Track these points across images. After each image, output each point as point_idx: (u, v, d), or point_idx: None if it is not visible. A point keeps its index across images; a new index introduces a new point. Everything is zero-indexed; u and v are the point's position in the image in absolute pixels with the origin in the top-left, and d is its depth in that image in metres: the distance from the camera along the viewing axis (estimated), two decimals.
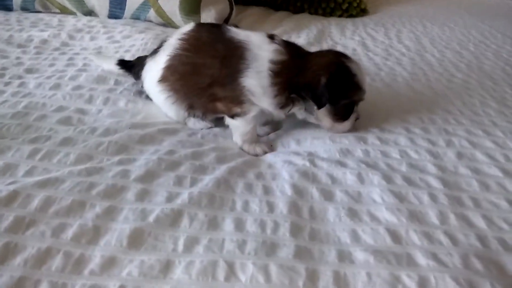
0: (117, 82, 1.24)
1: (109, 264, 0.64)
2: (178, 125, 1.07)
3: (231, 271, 0.64)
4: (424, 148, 0.99)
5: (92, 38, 1.59)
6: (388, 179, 0.86)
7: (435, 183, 0.86)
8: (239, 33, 0.99)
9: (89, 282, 0.61)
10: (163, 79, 1.03)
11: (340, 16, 2.32)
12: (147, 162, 0.88)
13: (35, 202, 0.74)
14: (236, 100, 0.97)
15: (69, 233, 0.69)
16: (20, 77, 1.24)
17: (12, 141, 0.92)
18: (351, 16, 2.34)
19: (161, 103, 1.06)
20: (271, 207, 0.78)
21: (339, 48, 1.71)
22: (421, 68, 1.53)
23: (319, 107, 0.95)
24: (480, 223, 0.77)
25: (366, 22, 2.20)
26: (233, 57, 0.96)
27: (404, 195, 0.82)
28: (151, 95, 1.09)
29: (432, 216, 0.77)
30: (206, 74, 0.98)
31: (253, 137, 1.01)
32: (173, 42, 1.03)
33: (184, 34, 1.03)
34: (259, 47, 0.96)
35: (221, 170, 0.88)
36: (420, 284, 0.63)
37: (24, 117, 1.03)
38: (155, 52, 1.09)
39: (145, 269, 0.64)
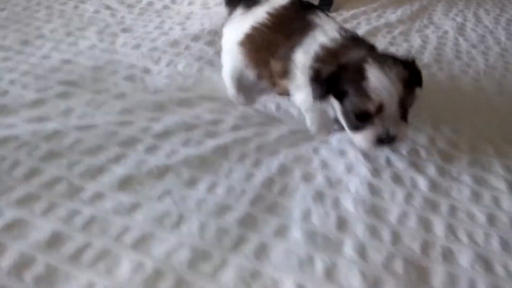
0: (187, 47, 1.39)
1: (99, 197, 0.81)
2: (224, 96, 1.17)
3: None
4: None
5: (189, 3, 1.77)
6: None
7: None
8: (320, 18, 1.00)
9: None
10: (242, 44, 1.09)
11: None
12: (171, 123, 1.03)
13: (67, 140, 0.94)
14: (282, 72, 1.00)
15: (78, 168, 0.87)
16: (115, 34, 1.47)
17: (80, 89, 1.15)
18: None
19: (231, 63, 1.13)
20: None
21: (429, 29, 1.62)
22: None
23: (313, 99, 0.91)
24: None
25: (485, 1, 1.98)
26: (297, 36, 0.98)
27: None
28: (226, 51, 1.15)
29: None
30: (274, 50, 1.01)
31: (324, 124, 1.01)
32: (261, 12, 1.06)
33: (274, 9, 1.05)
34: (322, 32, 0.96)
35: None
36: None
37: (99, 70, 1.25)
38: (246, 7, 1.12)
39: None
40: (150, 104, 1.10)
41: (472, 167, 0.94)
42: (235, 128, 1.05)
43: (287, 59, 0.99)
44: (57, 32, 1.45)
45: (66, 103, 1.09)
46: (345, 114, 0.88)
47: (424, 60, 1.41)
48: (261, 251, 0.73)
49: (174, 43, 1.41)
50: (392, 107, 0.82)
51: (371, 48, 0.94)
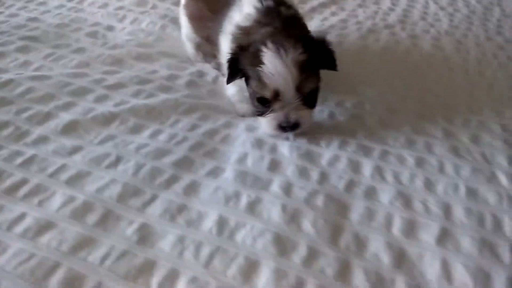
0: (154, 6, 1.40)
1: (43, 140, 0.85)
2: (181, 54, 1.19)
3: None
4: None
5: None
6: None
7: None
8: None
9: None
10: (185, 8, 1.13)
11: None
12: (126, 76, 1.05)
13: (20, 89, 0.97)
14: (213, 54, 1.03)
15: (26, 114, 0.90)
16: None
17: (41, 44, 1.17)
18: None
19: (183, 27, 1.16)
20: None
21: None
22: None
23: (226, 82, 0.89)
24: None
25: None
26: (220, 15, 0.97)
27: None
28: (180, 11, 1.17)
29: None
30: (207, 26, 1.03)
31: (242, 97, 0.96)
32: None
33: None
34: (238, 9, 0.93)
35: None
36: None
37: (64, 27, 1.27)
38: None
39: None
40: (108, 58, 1.13)
41: (415, 118, 0.95)
42: (190, 84, 1.07)
43: (215, 42, 0.99)
44: None
45: (25, 57, 1.12)
46: (250, 97, 0.87)
47: (389, 20, 1.41)
48: (191, 189, 0.76)
49: (141, 2, 1.43)
50: (289, 93, 0.80)
51: (285, 23, 0.86)
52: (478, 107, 0.99)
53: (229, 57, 0.84)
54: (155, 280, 0.60)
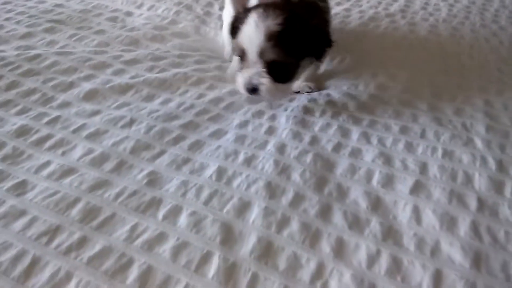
0: None
1: (66, 104, 0.95)
2: (195, 34, 1.29)
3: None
4: None
5: None
6: None
7: None
8: None
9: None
10: None
11: None
12: (141, 54, 1.15)
13: (46, 62, 1.08)
14: None
15: (52, 83, 1.01)
16: None
17: (66, 27, 1.29)
18: None
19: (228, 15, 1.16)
20: None
21: None
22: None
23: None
24: None
25: None
26: None
27: None
28: (226, 4, 1.23)
29: None
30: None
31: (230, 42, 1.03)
32: None
33: None
34: None
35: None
36: None
37: (87, 13, 1.39)
38: None
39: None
40: (125, 39, 1.23)
41: (404, 93, 1.03)
42: (200, 62, 1.17)
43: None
44: None
45: (51, 36, 1.23)
46: None
47: (390, 10, 1.49)
48: (195, 146, 0.85)
49: None
50: (252, 55, 0.83)
51: (294, 4, 0.89)
52: (467, 85, 1.06)
53: (230, 21, 0.93)
54: (161, 212, 0.69)
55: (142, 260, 0.61)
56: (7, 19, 1.31)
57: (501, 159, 0.81)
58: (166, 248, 0.63)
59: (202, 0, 1.50)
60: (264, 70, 0.84)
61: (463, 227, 0.69)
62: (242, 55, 0.86)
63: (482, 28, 1.35)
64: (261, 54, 0.83)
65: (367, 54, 1.19)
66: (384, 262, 0.62)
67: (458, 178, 0.78)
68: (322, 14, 0.94)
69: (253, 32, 0.82)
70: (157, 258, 0.62)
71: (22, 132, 0.86)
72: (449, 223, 0.69)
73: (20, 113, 0.92)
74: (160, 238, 0.65)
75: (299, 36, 0.83)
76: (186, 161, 0.81)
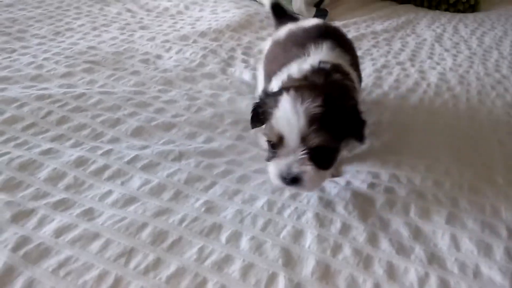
0: (195, 41, 1.62)
1: (116, 140, 1.02)
2: (222, 75, 1.39)
3: None
4: None
5: (200, 10, 2.01)
6: None
7: None
8: (317, 48, 0.94)
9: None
10: (265, 56, 1.14)
11: (446, 10, 2.34)
12: (177, 94, 1.24)
13: (92, 100, 1.16)
14: None
15: (100, 119, 1.08)
16: (134, 30, 1.70)
17: (102, 67, 1.37)
18: (458, 11, 2.33)
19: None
20: None
21: (410, 37, 1.84)
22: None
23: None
24: None
25: (467, 18, 2.20)
26: (286, 61, 0.94)
27: None
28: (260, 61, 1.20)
29: None
30: (274, 64, 1.00)
31: None
32: (284, 30, 1.11)
33: (294, 28, 1.09)
34: (300, 63, 0.90)
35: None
36: None
37: (119, 55, 1.48)
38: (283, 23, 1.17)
39: None
40: (160, 79, 1.32)
41: (423, 133, 1.13)
42: (231, 100, 1.25)
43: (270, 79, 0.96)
44: (84, 26, 1.68)
45: (90, 76, 1.31)
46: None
47: (400, 58, 1.62)
48: (243, 179, 0.92)
49: (184, 37, 1.64)
50: (292, 140, 0.75)
51: (325, 83, 0.83)
52: (478, 126, 1.16)
53: (256, 102, 0.84)
54: (223, 236, 0.76)
55: (215, 280, 0.67)
56: (45, 59, 1.39)
57: None
58: (235, 269, 0.69)
59: (226, 45, 1.61)
60: (307, 156, 0.75)
61: (498, 253, 0.76)
62: (277, 141, 0.77)
63: (487, 77, 1.47)
64: (304, 139, 0.74)
65: (384, 99, 1.29)
66: (433, 283, 0.69)
67: (486, 211, 0.85)
68: (352, 93, 0.87)
69: (293, 116, 0.73)
70: (228, 277, 0.68)
71: (80, 162, 0.92)
72: (485, 248, 0.76)
73: (74, 146, 0.98)
74: (227, 259, 0.71)
75: (339, 118, 0.76)
76: (237, 192, 0.88)
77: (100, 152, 0.97)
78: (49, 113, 1.09)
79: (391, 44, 1.79)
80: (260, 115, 0.82)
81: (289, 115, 0.74)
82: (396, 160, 1.00)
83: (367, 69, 1.51)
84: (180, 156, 0.97)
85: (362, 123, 0.80)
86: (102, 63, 1.40)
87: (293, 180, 0.76)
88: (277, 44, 1.08)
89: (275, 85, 0.90)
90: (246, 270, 0.69)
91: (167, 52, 1.53)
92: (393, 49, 1.73)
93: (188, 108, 1.19)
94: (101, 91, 1.22)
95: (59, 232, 0.74)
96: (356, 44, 1.73)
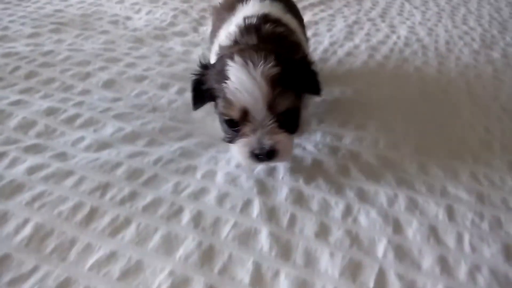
0: (165, 3, 1.60)
1: (87, 92, 1.00)
2: (194, 34, 1.37)
3: None
4: None
5: None
6: None
7: None
8: (246, 4, 0.89)
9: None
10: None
11: None
12: (148, 50, 1.23)
13: (60, 57, 1.14)
14: None
15: (70, 73, 1.06)
16: None
17: (70, 28, 1.34)
18: None
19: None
20: None
21: None
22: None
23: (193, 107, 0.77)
24: None
25: None
26: (216, 31, 0.89)
27: None
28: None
29: None
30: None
31: None
32: None
33: None
34: (226, 26, 0.85)
35: None
36: None
37: (87, 17, 1.45)
38: None
39: None
40: (130, 38, 1.30)
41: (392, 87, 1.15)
42: (203, 56, 1.25)
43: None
44: None
45: (58, 36, 1.29)
46: (220, 121, 0.74)
47: (370, 16, 1.63)
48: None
49: (153, 0, 1.61)
50: (259, 112, 0.66)
51: (263, 40, 0.76)
52: (447, 70, 1.19)
53: (193, 78, 0.73)
54: (199, 174, 0.76)
55: (191, 207, 0.68)
56: (11, 21, 1.35)
57: None
58: (210, 198, 0.70)
59: (196, 7, 1.59)
60: (276, 124, 0.68)
61: (464, 176, 0.79)
62: (240, 116, 0.68)
63: (455, 29, 1.50)
64: (271, 106, 0.66)
65: (355, 51, 1.30)
66: (402, 201, 0.72)
67: (453, 141, 0.88)
68: (290, 38, 0.81)
69: (253, 83, 0.65)
70: (204, 205, 0.69)
71: (51, 112, 0.91)
72: (452, 172, 0.79)
73: (44, 97, 0.97)
74: (203, 191, 0.72)
75: (295, 74, 0.69)
76: (211, 145, 0.87)
77: (71, 103, 0.96)
78: (16, 68, 1.07)
79: (361, 4, 1.80)
80: (203, 92, 0.72)
81: (248, 84, 0.65)
82: (367, 103, 1.02)
83: (338, 25, 1.52)
84: (153, 109, 0.97)
85: (316, 74, 0.73)
86: (69, 24, 1.37)
87: (268, 154, 0.68)
88: (215, 12, 1.04)
89: (212, 58, 0.82)
90: (222, 198, 0.70)
91: (137, 13, 1.51)
92: (364, 8, 1.74)
93: (160, 62, 1.18)
94: (70, 49, 1.20)
95: (32, 170, 0.73)
96: (327, 5, 1.76)
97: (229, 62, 0.67)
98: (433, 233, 0.67)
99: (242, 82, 0.65)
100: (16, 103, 0.93)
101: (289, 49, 0.76)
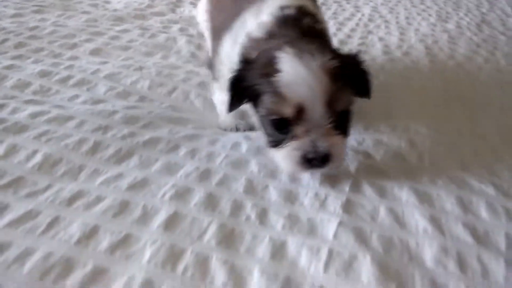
0: None
1: (75, 58, 1.06)
2: (173, 13, 1.44)
3: None
4: None
5: None
6: None
7: None
8: None
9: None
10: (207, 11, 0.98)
11: None
12: (129, 26, 1.29)
13: (46, 31, 1.19)
14: (212, 61, 0.85)
15: (57, 43, 1.12)
16: None
17: (52, 9, 1.39)
18: None
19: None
20: None
21: None
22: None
23: (228, 110, 0.67)
24: None
25: None
26: (237, 12, 0.78)
27: None
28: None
29: None
30: (221, 15, 0.86)
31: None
32: None
33: None
34: (254, 14, 0.74)
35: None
36: None
37: (68, 0, 1.49)
38: None
39: None
40: (111, 17, 1.37)
41: None
42: (182, 29, 1.32)
43: (217, 47, 0.80)
44: None
45: (41, 16, 1.33)
46: (262, 124, 0.65)
47: None
48: (202, 84, 1.00)
49: None
50: (317, 109, 0.58)
51: (305, 35, 0.68)
52: (408, 38, 1.31)
53: (233, 75, 0.64)
54: (190, 125, 0.83)
55: (187, 144, 0.75)
56: None
57: None
58: (203, 141, 0.77)
59: None
60: (333, 124, 0.60)
61: None
62: (294, 114, 0.59)
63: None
64: (330, 104, 0.58)
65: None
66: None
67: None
68: (330, 42, 0.75)
69: (313, 76, 0.57)
70: (198, 144, 0.76)
71: (44, 74, 0.97)
72: None
73: (35, 62, 1.02)
74: (196, 136, 0.79)
75: (353, 72, 0.63)
76: (198, 95, 0.95)
77: (62, 67, 1.01)
78: (5, 40, 1.11)
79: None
80: (243, 90, 0.64)
81: (306, 76, 0.57)
82: None
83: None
84: (140, 68, 1.04)
85: (368, 74, 0.66)
86: (51, 7, 1.42)
87: (323, 159, 0.60)
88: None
89: (228, 48, 0.75)
90: (214, 140, 0.78)
91: None
92: None
93: (142, 35, 1.25)
94: (54, 25, 1.25)
95: (34, 115, 0.78)
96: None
97: (280, 53, 0.59)
98: None
99: (299, 74, 0.57)
100: (9, 67, 0.98)
101: (326, 43, 0.71)
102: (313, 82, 0.57)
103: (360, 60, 0.65)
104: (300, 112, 0.58)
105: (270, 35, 0.68)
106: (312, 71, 0.57)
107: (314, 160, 0.60)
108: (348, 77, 0.60)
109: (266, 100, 0.60)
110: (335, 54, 0.62)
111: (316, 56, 0.58)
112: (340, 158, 0.62)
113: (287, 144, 0.61)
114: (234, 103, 0.65)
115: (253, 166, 0.72)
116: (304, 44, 0.61)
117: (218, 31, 0.82)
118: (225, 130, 0.82)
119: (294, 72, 0.57)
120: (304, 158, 0.59)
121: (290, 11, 0.71)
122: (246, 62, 0.64)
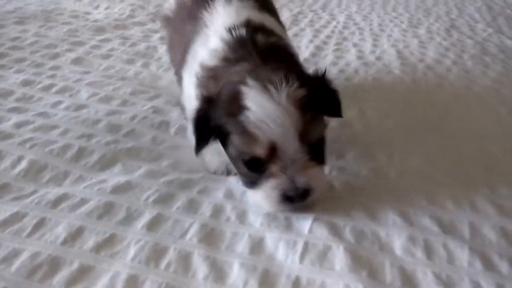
0: (122, 1, 1.69)
1: (57, 68, 1.08)
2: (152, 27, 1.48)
3: None
4: None
5: None
6: None
7: None
8: (213, 9, 0.73)
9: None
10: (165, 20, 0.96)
11: None
12: (110, 36, 1.32)
13: (27, 41, 1.21)
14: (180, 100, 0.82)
15: (39, 53, 1.14)
16: None
17: (33, 20, 1.42)
18: None
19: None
20: None
21: None
22: None
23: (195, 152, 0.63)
24: None
25: None
26: (187, 46, 0.74)
27: None
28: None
29: None
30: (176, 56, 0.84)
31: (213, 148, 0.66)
32: None
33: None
34: (204, 40, 0.70)
35: None
36: None
37: (48, 12, 1.52)
38: None
39: None
40: (92, 27, 1.39)
41: None
42: (163, 38, 1.35)
43: (180, 77, 0.78)
44: None
45: (22, 27, 1.35)
46: (234, 164, 0.62)
47: (313, 8, 1.80)
48: None
49: None
50: (291, 145, 0.55)
51: (265, 56, 0.62)
52: (380, 44, 1.36)
53: (195, 115, 0.60)
54: (172, 130, 0.86)
55: (169, 154, 0.78)
56: None
57: None
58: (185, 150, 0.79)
59: (154, 1, 1.70)
60: (309, 156, 0.57)
61: None
62: (267, 154, 0.56)
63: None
64: (304, 136, 0.56)
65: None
66: None
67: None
68: (295, 59, 0.71)
69: (281, 111, 0.54)
70: (182, 152, 0.78)
71: (26, 83, 0.99)
72: None
73: (17, 72, 1.04)
74: (175, 147, 0.81)
75: (321, 96, 0.59)
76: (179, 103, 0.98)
77: (44, 76, 1.03)
78: None
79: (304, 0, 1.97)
80: (209, 131, 0.60)
81: (274, 112, 0.53)
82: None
83: (285, 14, 1.67)
84: (122, 79, 1.06)
85: (337, 93, 0.63)
86: (32, 18, 1.44)
87: (303, 195, 0.58)
88: (170, 25, 0.91)
89: (188, 84, 0.70)
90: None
91: (96, 9, 1.60)
92: (307, 2, 1.91)
93: (123, 43, 1.27)
94: (35, 36, 1.27)
95: (18, 125, 0.81)
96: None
97: (243, 88, 0.55)
98: None
99: (267, 111, 0.54)
100: None
101: (290, 64, 0.65)
102: (283, 118, 0.53)
103: (329, 81, 0.62)
104: (273, 150, 0.55)
105: (225, 60, 0.64)
106: (280, 106, 0.53)
107: (295, 197, 0.58)
108: (319, 102, 0.58)
109: (235, 141, 0.57)
110: (303, 78, 0.58)
111: (282, 87, 0.54)
112: (320, 189, 0.60)
113: (264, 184, 0.58)
114: (201, 144, 0.61)
115: (232, 179, 0.72)
116: (268, 71, 0.57)
117: (178, 67, 0.79)
118: (214, 173, 0.73)
119: (262, 110, 0.54)
120: (284, 196, 0.57)
121: (240, 32, 0.66)
122: (208, 101, 0.60)
